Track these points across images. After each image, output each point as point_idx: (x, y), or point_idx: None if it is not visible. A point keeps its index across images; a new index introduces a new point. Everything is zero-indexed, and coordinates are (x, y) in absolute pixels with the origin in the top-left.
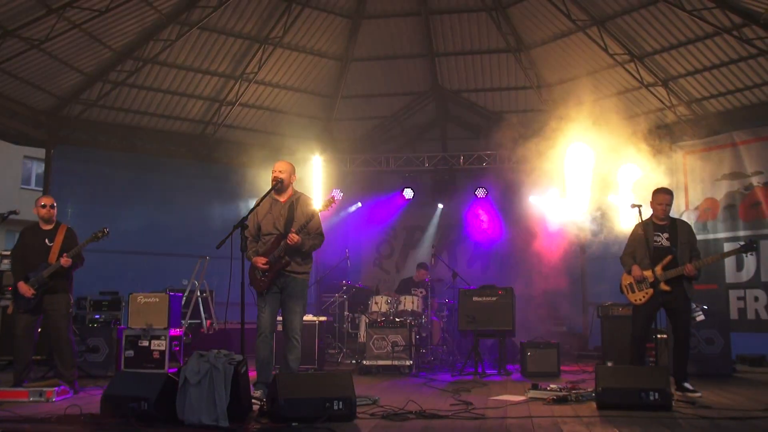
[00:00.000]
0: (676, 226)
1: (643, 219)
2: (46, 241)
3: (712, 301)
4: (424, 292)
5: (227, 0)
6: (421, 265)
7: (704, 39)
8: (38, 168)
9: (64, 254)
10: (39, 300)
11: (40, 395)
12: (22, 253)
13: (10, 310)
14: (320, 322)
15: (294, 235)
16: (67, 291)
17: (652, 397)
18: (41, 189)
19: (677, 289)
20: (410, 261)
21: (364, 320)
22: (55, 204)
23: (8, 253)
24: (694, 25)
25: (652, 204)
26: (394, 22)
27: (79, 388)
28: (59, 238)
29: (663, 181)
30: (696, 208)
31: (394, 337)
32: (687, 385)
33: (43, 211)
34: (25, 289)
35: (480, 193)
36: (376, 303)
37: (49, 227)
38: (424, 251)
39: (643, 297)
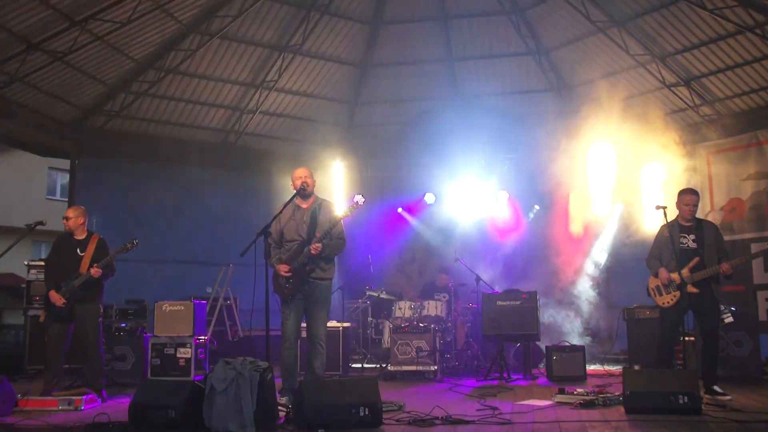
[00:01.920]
0: (702, 227)
1: (668, 220)
2: (78, 251)
3: (740, 303)
4: (447, 297)
5: (247, 9)
6: (443, 270)
7: (726, 38)
8: (63, 179)
9: (95, 265)
10: (70, 309)
11: (69, 404)
12: (54, 262)
13: (41, 319)
14: (344, 328)
15: (318, 244)
16: (97, 301)
17: (681, 401)
18: (66, 200)
19: (705, 291)
20: (432, 266)
21: (387, 326)
22: (70, 216)
23: (36, 263)
24: (715, 23)
25: (678, 205)
26: (413, 27)
27: (107, 397)
28: (91, 248)
29: (687, 182)
30: (721, 209)
31: (418, 342)
32: (716, 388)
33: (65, 223)
34: (56, 298)
35: (501, 196)
36: (400, 308)
37: (81, 237)
38: (446, 256)
39: (671, 300)
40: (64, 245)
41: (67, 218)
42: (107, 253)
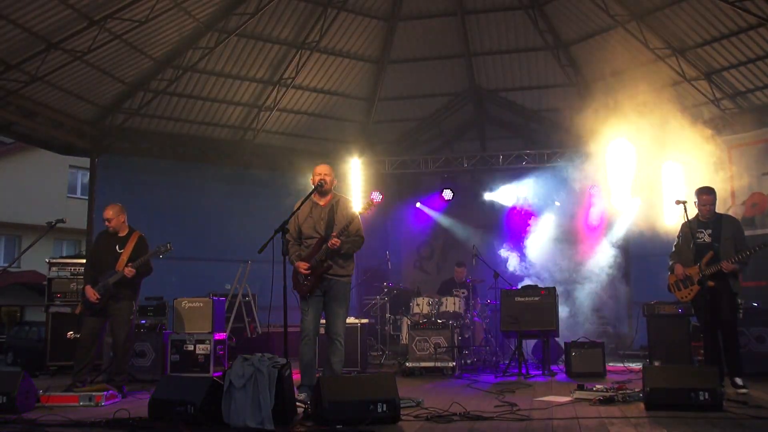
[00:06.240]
0: (720, 222)
1: (689, 215)
2: (117, 247)
3: (763, 298)
4: (466, 293)
5: (264, 7)
6: (460, 263)
7: (747, 30)
8: (84, 177)
9: (129, 264)
10: (104, 305)
11: (90, 400)
12: (94, 256)
13: (77, 311)
14: (362, 324)
15: (336, 240)
16: (131, 299)
17: (702, 397)
18: (86, 198)
19: (721, 285)
20: (450, 262)
21: (405, 322)
22: (111, 217)
23: (57, 260)
24: (736, 16)
25: (696, 204)
26: (430, 23)
27: (127, 393)
28: (130, 245)
29: (708, 177)
30: (743, 203)
31: (436, 338)
32: (737, 380)
33: (107, 225)
34: (91, 293)
35: (520, 192)
36: (418, 304)
37: (122, 234)
38: (464, 252)
39: (689, 294)
40: (104, 240)
41: (108, 219)
42: (145, 251)
